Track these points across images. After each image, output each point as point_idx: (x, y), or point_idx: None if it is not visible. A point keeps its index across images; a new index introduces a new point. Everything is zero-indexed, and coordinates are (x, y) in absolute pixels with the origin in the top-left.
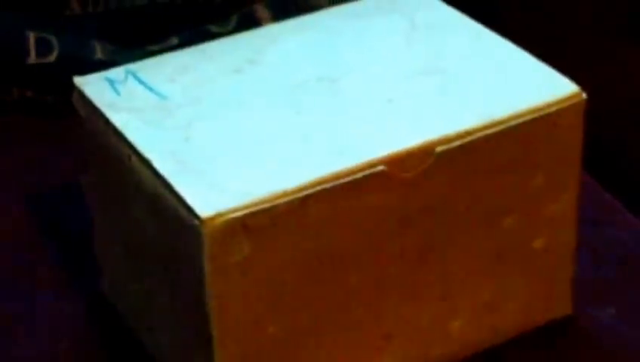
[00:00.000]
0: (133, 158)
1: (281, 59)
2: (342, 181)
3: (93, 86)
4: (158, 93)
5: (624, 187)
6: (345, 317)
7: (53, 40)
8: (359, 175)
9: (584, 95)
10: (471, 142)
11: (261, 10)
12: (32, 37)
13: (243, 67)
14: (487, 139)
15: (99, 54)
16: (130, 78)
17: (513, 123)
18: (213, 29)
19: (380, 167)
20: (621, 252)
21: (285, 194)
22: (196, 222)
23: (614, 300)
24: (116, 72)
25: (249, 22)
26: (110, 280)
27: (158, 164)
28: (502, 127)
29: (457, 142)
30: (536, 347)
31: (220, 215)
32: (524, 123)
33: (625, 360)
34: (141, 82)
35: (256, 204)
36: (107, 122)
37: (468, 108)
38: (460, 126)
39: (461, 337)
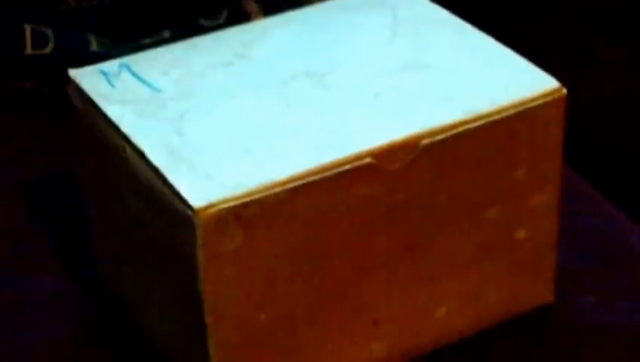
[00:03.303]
0: (128, 150)
1: (271, 53)
2: (330, 173)
3: (87, 78)
4: (151, 86)
5: (604, 179)
6: (334, 304)
7: (49, 33)
8: (347, 167)
9: (564, 90)
10: (455, 136)
11: (251, 5)
12: (28, 30)
13: (233, 61)
14: (471, 132)
15: (93, 47)
16: (124, 71)
17: (496, 117)
18: (204, 22)
19: (367, 160)
20: (601, 241)
21: (276, 185)
22: (189, 212)
23: (594, 288)
24: (110, 65)
25: (239, 16)
26: (107, 268)
27: (151, 156)
28: (485, 121)
29: (442, 136)
30: (520, 333)
31: (212, 205)
32: (507, 117)
33: (604, 346)
34: (135, 75)
35: (247, 195)
36: (102, 114)
37: (452, 103)
38: (444, 120)
39: (447, 324)
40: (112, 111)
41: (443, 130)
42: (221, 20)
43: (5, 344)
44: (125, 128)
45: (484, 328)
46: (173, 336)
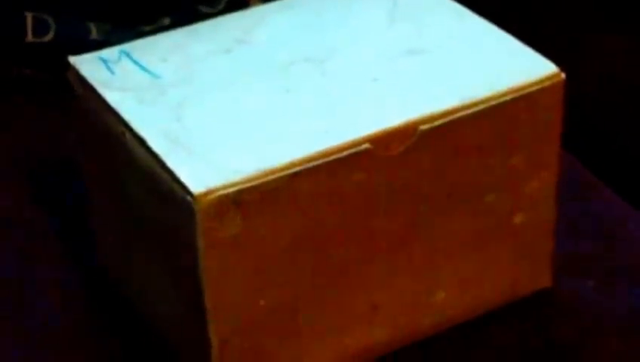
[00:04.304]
0: (128, 136)
1: (270, 39)
2: (329, 158)
3: (88, 65)
4: (150, 73)
5: (604, 165)
6: (333, 289)
7: (50, 20)
8: (345, 153)
9: (563, 75)
10: (453, 121)
11: None
12: (29, 17)
13: (233, 47)
14: (469, 118)
15: (94, 34)
16: (124, 58)
17: (494, 102)
18: (204, 9)
19: (365, 145)
20: (599, 226)
21: (275, 171)
22: (189, 198)
23: (592, 273)
24: (110, 52)
25: (238, 3)
26: (107, 254)
27: (151, 142)
28: (483, 106)
29: (440, 121)
30: (518, 318)
31: (212, 191)
32: (505, 102)
33: (602, 330)
34: (134, 62)
35: (247, 181)
36: (102, 100)
37: (450, 88)
38: (442, 105)
39: (446, 308)
40: (112, 97)
41: (441, 115)
42: (221, 7)
43: (6, 330)
44: (125, 114)
45: (483, 312)
46: (173, 322)
